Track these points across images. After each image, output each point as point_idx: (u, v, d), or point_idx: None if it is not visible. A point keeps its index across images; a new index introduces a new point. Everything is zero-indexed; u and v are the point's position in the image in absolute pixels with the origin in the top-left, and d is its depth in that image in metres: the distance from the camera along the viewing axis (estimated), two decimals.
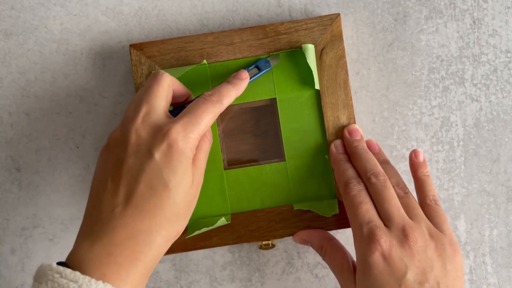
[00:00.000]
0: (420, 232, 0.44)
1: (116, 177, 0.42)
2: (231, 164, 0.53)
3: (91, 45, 0.55)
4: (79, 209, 0.54)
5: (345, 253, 0.48)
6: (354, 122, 0.52)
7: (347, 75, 0.52)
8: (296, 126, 0.52)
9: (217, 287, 0.55)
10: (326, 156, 0.52)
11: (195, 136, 0.43)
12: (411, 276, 0.42)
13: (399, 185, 0.47)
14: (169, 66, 0.52)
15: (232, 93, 0.47)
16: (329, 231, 0.51)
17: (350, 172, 0.48)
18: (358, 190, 0.46)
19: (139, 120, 0.43)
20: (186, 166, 0.42)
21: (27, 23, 0.54)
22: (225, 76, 0.52)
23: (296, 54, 0.52)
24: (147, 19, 0.55)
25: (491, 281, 0.55)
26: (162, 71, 0.47)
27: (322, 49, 0.52)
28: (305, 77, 0.52)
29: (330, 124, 0.52)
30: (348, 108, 0.52)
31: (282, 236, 0.52)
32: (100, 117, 0.55)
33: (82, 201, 0.54)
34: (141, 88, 0.48)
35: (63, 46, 0.55)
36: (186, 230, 0.51)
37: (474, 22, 0.55)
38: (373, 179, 0.46)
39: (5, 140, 0.54)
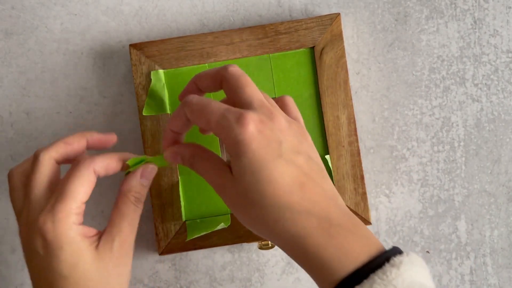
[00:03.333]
0: (281, 113, 0.42)
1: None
2: None
3: (92, 45, 0.55)
4: None
5: (217, 155, 0.44)
6: (354, 122, 0.52)
7: (347, 75, 0.52)
8: None
9: (217, 287, 0.55)
10: (326, 156, 0.52)
11: (66, 214, 0.39)
12: (286, 146, 0.40)
13: None
14: (169, 66, 0.52)
15: (109, 155, 0.44)
16: None
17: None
18: (197, 97, 0.42)
19: (21, 220, 0.41)
20: (75, 248, 0.39)
21: (27, 22, 0.55)
22: None
23: (296, 54, 0.52)
24: (147, 19, 0.55)
25: (492, 282, 0.55)
26: (39, 150, 0.43)
27: (322, 49, 0.52)
28: (305, 77, 0.52)
29: (330, 124, 0.52)
30: (348, 108, 0.52)
31: None
32: (100, 117, 0.55)
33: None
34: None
35: (64, 46, 0.55)
36: (186, 231, 0.51)
37: (475, 22, 0.55)
38: (229, 72, 0.42)
39: (5, 139, 0.54)
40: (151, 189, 0.51)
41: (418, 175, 0.55)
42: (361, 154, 0.54)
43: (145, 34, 0.55)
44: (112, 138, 0.46)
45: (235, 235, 0.52)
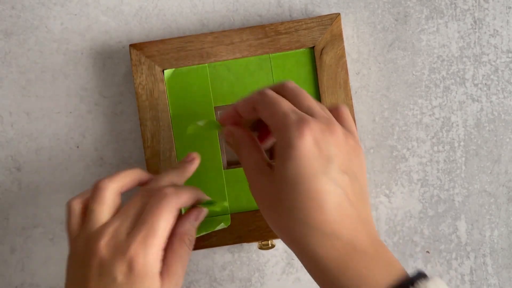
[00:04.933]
0: (339, 127, 0.41)
1: None
2: (231, 164, 0.53)
3: (91, 45, 0.55)
4: None
5: (263, 151, 0.44)
6: (354, 122, 0.52)
7: (347, 75, 0.52)
8: None
9: (216, 287, 0.55)
10: None
11: (156, 249, 0.40)
12: (335, 163, 0.39)
13: None
14: (168, 66, 0.52)
15: (182, 179, 0.45)
16: None
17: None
18: (274, 93, 0.42)
19: (104, 238, 0.41)
20: (151, 284, 0.40)
21: (27, 22, 0.55)
22: (225, 76, 0.52)
23: (296, 54, 0.52)
24: (147, 19, 0.55)
25: (492, 282, 0.55)
26: (101, 181, 0.43)
27: (322, 49, 0.52)
28: (305, 77, 0.52)
29: None
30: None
31: None
32: (100, 117, 0.55)
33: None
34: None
35: (64, 46, 0.55)
36: None
37: (475, 22, 0.55)
38: (287, 86, 0.43)
39: (5, 139, 0.54)
40: None
41: (418, 175, 0.55)
42: None
43: (145, 34, 0.55)
44: (195, 166, 0.48)
45: (235, 235, 0.52)
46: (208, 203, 0.45)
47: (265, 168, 0.42)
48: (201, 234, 0.50)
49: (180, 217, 0.44)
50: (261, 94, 0.42)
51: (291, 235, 0.39)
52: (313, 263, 0.39)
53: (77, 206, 0.43)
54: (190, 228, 0.44)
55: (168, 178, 0.45)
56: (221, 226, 0.50)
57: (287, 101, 0.41)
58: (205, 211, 0.45)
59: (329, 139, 0.40)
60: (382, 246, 0.39)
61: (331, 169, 0.39)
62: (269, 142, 0.47)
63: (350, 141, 0.41)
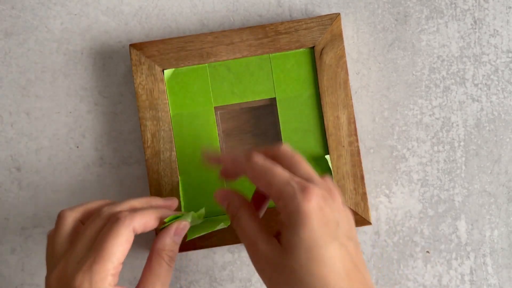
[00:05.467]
0: (338, 193, 0.42)
1: None
2: None
3: (91, 45, 0.55)
4: None
5: (260, 221, 0.43)
6: (354, 122, 0.52)
7: (347, 75, 0.52)
8: (296, 126, 0.52)
9: (217, 287, 0.55)
10: (326, 156, 0.52)
11: (104, 275, 0.39)
12: (342, 229, 0.39)
13: None
14: (168, 66, 0.52)
15: (143, 205, 0.44)
16: None
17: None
18: (263, 158, 0.41)
19: (55, 271, 0.40)
20: None
21: (27, 22, 0.55)
22: (225, 76, 0.52)
23: (296, 54, 0.52)
24: (147, 19, 0.55)
25: (492, 282, 0.55)
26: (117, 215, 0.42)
27: (322, 49, 0.52)
28: (305, 77, 0.52)
29: (330, 124, 0.52)
30: (348, 108, 0.52)
31: None
32: (100, 117, 0.55)
33: (82, 201, 0.54)
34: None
35: (64, 46, 0.55)
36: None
37: (475, 22, 0.55)
38: (283, 152, 0.43)
39: (5, 139, 0.54)
40: (151, 189, 0.52)
41: (418, 175, 0.55)
42: (361, 154, 0.54)
43: (145, 34, 0.55)
44: (173, 203, 0.47)
45: (235, 235, 0.52)
46: (176, 217, 0.44)
47: (271, 237, 0.40)
48: (201, 234, 0.50)
49: (159, 232, 0.43)
50: (250, 162, 0.41)
51: None
52: None
53: (91, 235, 0.41)
54: (170, 243, 0.43)
55: (130, 203, 0.44)
56: (221, 226, 0.50)
57: (282, 168, 0.40)
58: (185, 223, 0.44)
59: (333, 205, 0.40)
60: None
61: (340, 235, 0.39)
62: (263, 210, 0.46)
63: (347, 209, 0.42)
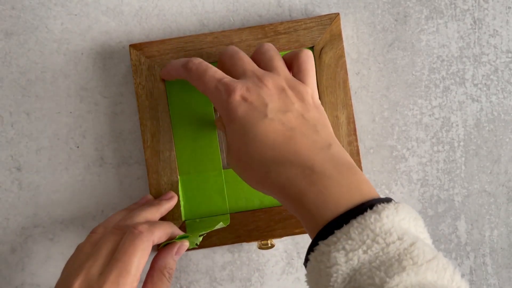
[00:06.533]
0: (277, 78, 0.44)
1: None
2: None
3: (92, 45, 0.55)
4: (79, 209, 0.55)
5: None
6: (354, 122, 0.52)
7: (347, 75, 0.52)
8: None
9: (216, 287, 0.55)
10: None
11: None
12: (273, 106, 0.42)
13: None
14: None
15: (157, 215, 0.48)
16: None
17: (184, 59, 0.48)
18: (199, 61, 0.46)
19: (77, 280, 0.41)
20: None
21: (27, 23, 0.55)
22: None
23: None
24: (147, 19, 0.55)
25: (492, 282, 0.55)
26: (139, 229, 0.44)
27: (322, 49, 0.52)
28: None
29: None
30: (347, 108, 0.52)
31: (280, 236, 0.52)
32: (100, 117, 0.55)
33: (82, 201, 0.54)
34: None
35: (64, 46, 0.55)
36: (185, 231, 0.51)
37: (474, 22, 0.55)
38: (258, 49, 0.47)
39: (5, 139, 0.54)
40: (151, 189, 0.52)
41: (418, 175, 0.55)
42: (361, 154, 0.54)
43: (145, 34, 0.55)
44: (172, 200, 0.51)
45: (235, 235, 0.52)
46: (182, 237, 0.47)
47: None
48: (201, 234, 0.50)
49: (161, 250, 0.46)
50: (187, 68, 0.46)
51: (259, 181, 0.41)
52: (282, 195, 0.40)
53: (109, 246, 0.44)
54: (171, 262, 0.46)
55: (143, 214, 0.46)
56: (220, 225, 0.50)
57: (212, 69, 0.45)
58: (186, 244, 0.47)
59: (259, 92, 0.43)
60: (350, 170, 0.40)
61: (269, 111, 0.42)
62: None
63: (288, 92, 0.43)
